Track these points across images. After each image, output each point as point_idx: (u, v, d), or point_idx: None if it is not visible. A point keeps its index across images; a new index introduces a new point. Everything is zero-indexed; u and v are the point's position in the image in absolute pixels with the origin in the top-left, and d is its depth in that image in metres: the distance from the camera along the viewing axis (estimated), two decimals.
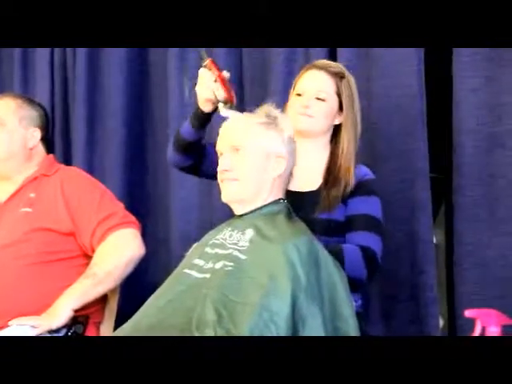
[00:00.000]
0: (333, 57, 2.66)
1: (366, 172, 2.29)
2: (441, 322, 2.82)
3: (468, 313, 1.88)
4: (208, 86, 2.13)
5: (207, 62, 2.15)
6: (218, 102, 2.13)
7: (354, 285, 2.05)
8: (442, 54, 2.57)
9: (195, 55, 3.02)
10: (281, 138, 2.00)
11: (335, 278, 1.83)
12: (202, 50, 2.19)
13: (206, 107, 2.17)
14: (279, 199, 2.00)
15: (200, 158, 2.30)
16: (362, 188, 2.23)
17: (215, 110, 2.17)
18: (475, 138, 2.47)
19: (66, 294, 2.34)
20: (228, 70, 2.18)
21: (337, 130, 2.29)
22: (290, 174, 2.06)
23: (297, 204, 2.10)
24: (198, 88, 2.18)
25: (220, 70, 2.15)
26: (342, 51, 2.66)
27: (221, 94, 2.12)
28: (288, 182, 2.06)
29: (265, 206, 1.97)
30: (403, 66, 2.56)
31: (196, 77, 2.20)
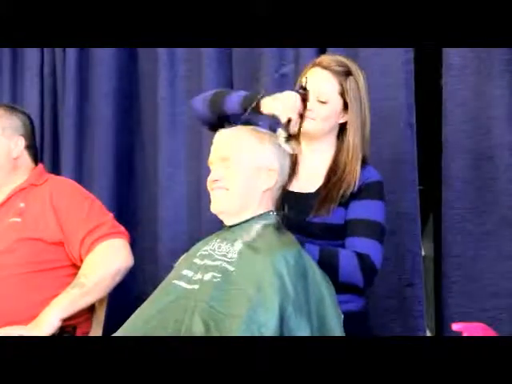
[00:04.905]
0: None
1: (373, 174, 2.21)
2: (428, 335, 2.83)
3: (455, 326, 1.89)
4: (289, 113, 2.05)
5: (307, 93, 2.10)
6: (283, 128, 2.03)
7: (351, 289, 2.07)
8: (432, 68, 2.59)
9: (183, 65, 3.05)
10: (273, 151, 1.99)
11: (323, 290, 1.83)
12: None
13: (267, 112, 2.09)
14: (269, 211, 1.99)
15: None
16: (365, 191, 2.17)
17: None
18: (463, 150, 2.49)
19: (53, 303, 2.32)
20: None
21: (343, 128, 2.24)
22: (294, 173, 2.05)
23: (295, 205, 2.08)
24: (280, 102, 2.07)
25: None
26: None
27: (293, 129, 2.04)
28: (280, 193, 2.03)
29: (254, 218, 1.96)
30: (392, 78, 2.58)
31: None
